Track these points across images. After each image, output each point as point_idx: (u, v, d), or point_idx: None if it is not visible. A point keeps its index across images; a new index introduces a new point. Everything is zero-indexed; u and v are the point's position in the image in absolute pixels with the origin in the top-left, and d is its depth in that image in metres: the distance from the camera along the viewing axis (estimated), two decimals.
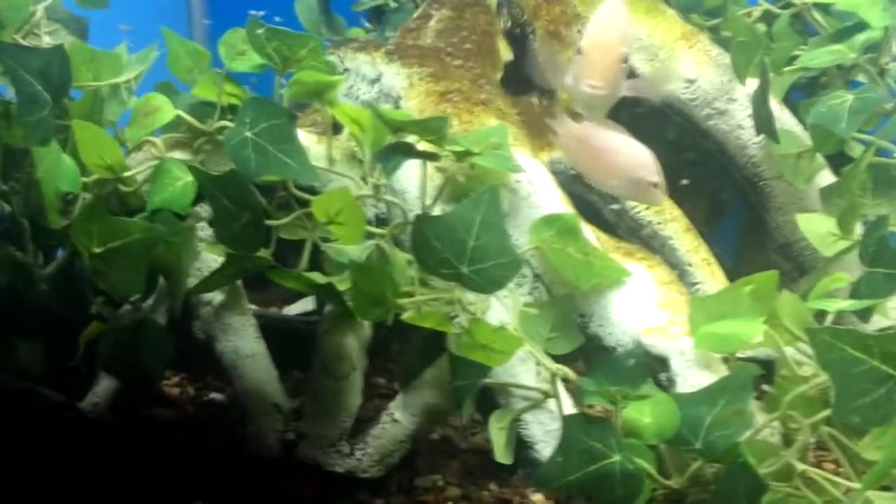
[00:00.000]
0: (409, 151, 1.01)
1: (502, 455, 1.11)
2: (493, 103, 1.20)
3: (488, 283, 1.01)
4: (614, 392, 1.03)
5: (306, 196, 1.11)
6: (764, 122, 1.32)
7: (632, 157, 1.00)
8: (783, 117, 1.37)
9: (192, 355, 1.30)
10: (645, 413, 1.06)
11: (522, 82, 1.38)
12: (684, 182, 1.48)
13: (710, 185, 1.59)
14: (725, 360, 1.09)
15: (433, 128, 0.97)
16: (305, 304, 1.65)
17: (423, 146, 1.04)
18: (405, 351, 1.17)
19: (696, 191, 1.56)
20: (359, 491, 1.17)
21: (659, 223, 1.32)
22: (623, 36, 0.96)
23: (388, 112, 1.00)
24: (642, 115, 1.49)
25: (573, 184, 1.28)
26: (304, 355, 1.24)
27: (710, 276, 1.29)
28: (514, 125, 1.20)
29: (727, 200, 1.61)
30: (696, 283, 1.29)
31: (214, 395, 1.42)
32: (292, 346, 1.25)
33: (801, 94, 1.51)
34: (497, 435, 1.11)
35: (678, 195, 1.34)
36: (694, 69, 1.40)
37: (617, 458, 1.02)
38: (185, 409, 1.38)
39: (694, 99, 1.40)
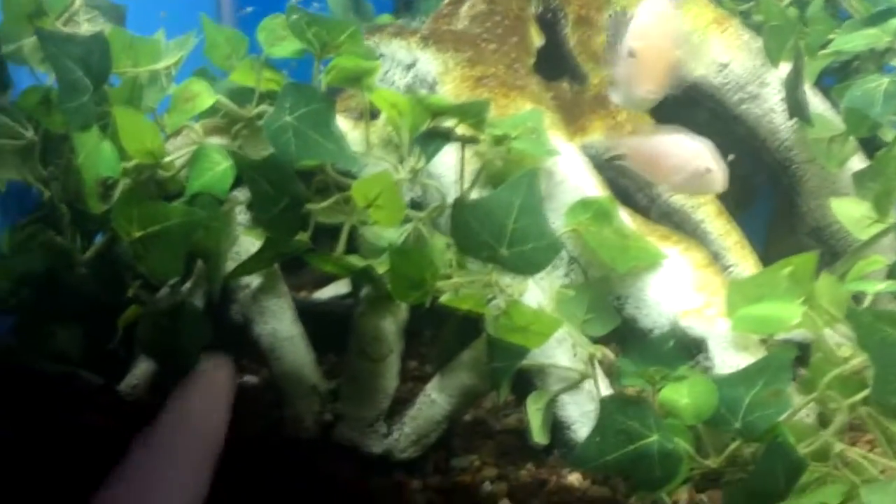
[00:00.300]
0: (449, 136, 1.02)
1: (539, 436, 1.12)
2: (528, 88, 1.20)
3: (527, 266, 1.01)
4: (652, 373, 1.04)
5: (345, 180, 1.12)
6: (797, 105, 1.32)
7: (684, 151, 1.00)
8: (815, 101, 1.37)
9: (225, 339, 1.32)
10: (682, 394, 1.07)
11: (554, 67, 1.38)
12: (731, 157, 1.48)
13: (741, 169, 1.59)
14: (763, 342, 1.09)
15: (473, 111, 0.98)
16: (337, 288, 1.66)
17: (461, 130, 1.04)
18: (441, 333, 1.18)
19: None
20: (395, 471, 1.19)
21: (691, 207, 1.32)
22: (676, 38, 0.96)
23: (427, 96, 1.01)
24: (670, 100, 1.50)
25: (606, 168, 1.29)
26: (339, 338, 1.26)
27: (743, 260, 1.29)
28: (549, 109, 1.21)
29: (758, 184, 1.61)
30: (729, 267, 1.29)
31: (249, 378, 1.44)
32: (326, 329, 1.26)
33: (832, 79, 1.50)
34: (534, 416, 1.12)
35: None
36: (726, 53, 1.39)
37: (655, 437, 1.03)
38: None
39: (726, 83, 1.39)
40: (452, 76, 1.20)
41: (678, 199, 1.33)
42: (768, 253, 1.35)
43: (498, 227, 1.01)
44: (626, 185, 1.36)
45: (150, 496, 0.43)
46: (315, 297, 1.61)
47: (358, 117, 1.20)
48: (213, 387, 0.50)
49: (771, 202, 1.59)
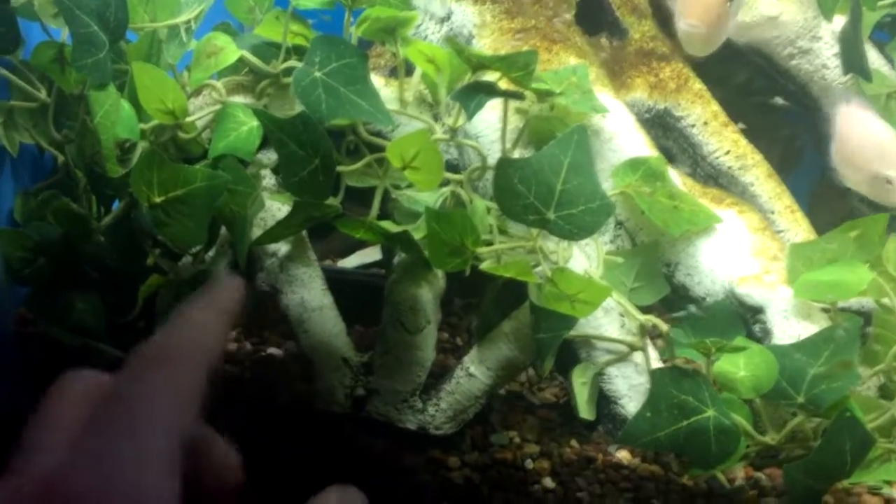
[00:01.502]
0: (492, 90, 0.95)
1: (585, 411, 1.06)
2: (571, 41, 1.13)
3: (577, 230, 0.95)
4: (708, 343, 0.98)
5: (378, 140, 1.05)
6: (854, 60, 1.24)
7: (874, 146, 0.92)
8: (871, 56, 1.30)
9: (250, 309, 1.26)
10: (739, 366, 1.01)
11: (592, 21, 1.31)
12: (741, 126, 1.41)
13: (784, 130, 1.52)
14: (825, 311, 1.03)
15: (521, 63, 0.90)
16: (362, 257, 1.60)
17: (504, 85, 0.97)
18: (480, 303, 1.12)
19: (769, 136, 1.49)
20: (431, 448, 1.13)
21: (740, 168, 1.25)
22: None
23: (468, 48, 0.94)
24: (708, 57, 1.42)
25: (650, 126, 1.22)
26: (367, 309, 1.20)
27: (795, 224, 1.23)
28: (594, 64, 1.13)
29: (802, 146, 1.54)
30: (780, 231, 1.22)
31: (273, 351, 1.38)
32: (354, 299, 1.20)
33: (884, 34, 1.43)
34: (580, 390, 1.06)
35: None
36: (776, 6, 1.32)
37: (711, 412, 0.98)
38: (245, 365, 1.34)
39: (775, 37, 1.32)
40: (490, 29, 1.12)
41: (725, 161, 1.26)
42: (812, 217, 1.28)
43: (545, 189, 0.94)
44: (668, 147, 1.30)
45: (139, 404, 0.41)
46: (339, 265, 1.55)
47: (389, 74, 1.13)
48: (216, 301, 0.46)
49: (814, 165, 1.52)
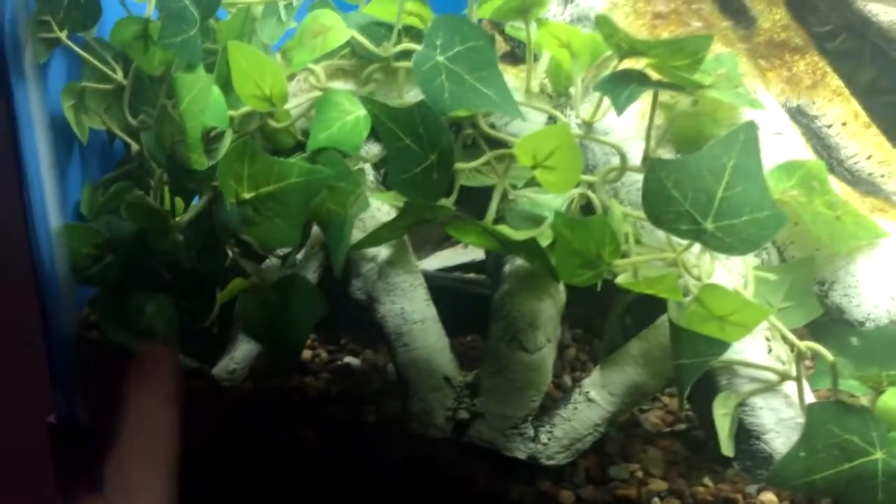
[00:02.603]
0: (646, 80, 0.83)
1: (727, 447, 0.93)
2: (716, 27, 1.00)
3: (739, 243, 0.82)
4: (883, 376, 0.85)
5: (503, 136, 0.93)
6: None
7: None
8: None
9: (342, 319, 1.15)
10: None
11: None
12: None
13: None
14: None
15: (690, 49, 0.78)
16: (443, 260, 1.49)
17: (655, 75, 0.85)
18: (605, 321, 1.00)
19: (894, 143, 1.36)
20: (541, 479, 1.02)
21: (882, 175, 1.12)
22: None
23: (618, 30, 0.81)
24: (834, 51, 1.30)
25: None
26: (452, 318, 1.08)
27: None
28: (741, 54, 1.01)
29: None
30: None
31: (350, 360, 1.27)
32: (451, 309, 1.08)
33: None
34: (721, 422, 0.93)
35: None
36: None
37: (879, 455, 0.86)
38: (322, 377, 1.23)
39: None
40: (623, 11, 1.00)
41: (866, 166, 1.13)
42: None
43: (704, 195, 0.82)
44: None
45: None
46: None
47: (505, 60, 1.01)
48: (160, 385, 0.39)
49: None
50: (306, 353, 1.29)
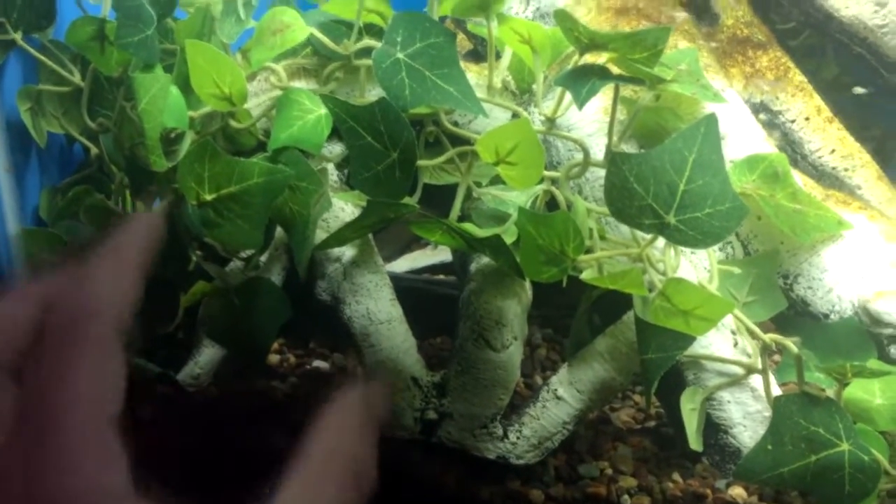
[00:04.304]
0: (606, 74, 0.82)
1: (695, 441, 0.93)
2: (678, 23, 1.00)
3: (702, 236, 0.82)
4: (847, 367, 0.85)
5: (464, 132, 0.93)
6: None
7: None
8: None
9: (307, 321, 1.14)
10: (874, 393, 0.89)
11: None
12: None
13: (875, 129, 1.40)
14: None
15: (649, 42, 0.78)
16: (411, 262, 1.48)
17: (616, 69, 0.85)
18: (573, 318, 1.00)
19: (859, 136, 1.37)
20: (510, 479, 1.01)
21: (846, 170, 1.13)
22: None
23: (578, 24, 0.81)
24: (798, 48, 1.31)
25: None
26: (421, 319, 1.07)
27: None
28: (703, 49, 1.01)
29: (892, 149, 1.42)
30: None
31: (319, 364, 1.26)
32: (405, 308, 1.07)
33: None
34: (689, 417, 0.93)
35: None
36: None
37: (846, 446, 0.86)
38: (291, 381, 1.21)
39: (884, 26, 1.20)
40: (586, 7, 1.00)
41: (829, 160, 1.14)
42: None
43: (666, 189, 0.82)
44: None
45: (56, 395, 0.37)
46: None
47: (468, 58, 1.00)
48: (130, 244, 0.37)
49: None
50: (274, 358, 1.27)
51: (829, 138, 1.14)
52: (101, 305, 0.38)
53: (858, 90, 1.39)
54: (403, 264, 1.47)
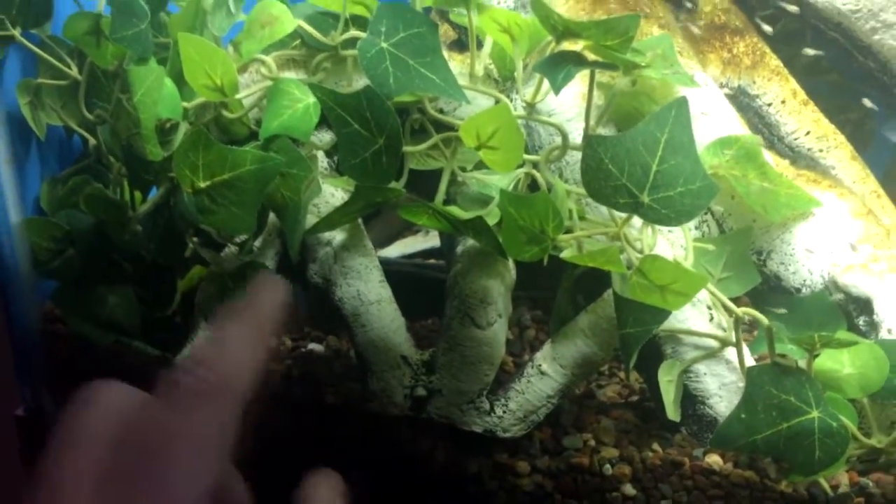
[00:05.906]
0: (581, 61, 0.86)
1: (673, 412, 0.97)
2: (654, 11, 1.04)
3: (675, 214, 0.86)
4: (815, 338, 0.89)
5: (448, 119, 0.96)
6: None
7: None
8: None
9: (299, 303, 1.18)
10: (843, 363, 0.93)
11: None
12: None
13: (853, 112, 1.43)
14: None
15: (620, 29, 0.81)
16: (403, 247, 1.52)
17: (591, 56, 0.89)
18: (555, 295, 1.04)
19: (837, 119, 1.41)
20: (497, 452, 1.05)
21: (821, 150, 1.17)
22: None
23: (554, 12, 0.85)
24: (777, 34, 1.34)
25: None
26: (413, 302, 1.11)
27: (881, 210, 1.14)
28: (677, 35, 1.04)
29: (871, 130, 1.45)
30: None
31: (314, 346, 1.30)
32: (398, 292, 1.11)
33: None
34: (667, 389, 0.97)
35: None
36: None
37: (816, 414, 0.90)
38: (286, 363, 1.25)
39: (857, 11, 1.23)
40: None
41: (805, 142, 1.18)
42: None
43: (640, 169, 0.85)
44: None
45: (171, 449, 0.41)
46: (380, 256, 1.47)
47: (452, 47, 1.04)
48: (259, 311, 0.47)
49: (887, 149, 1.44)
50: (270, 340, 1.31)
51: (804, 120, 1.17)
52: (233, 375, 0.41)
53: (809, 51, 1.40)
54: (395, 250, 1.51)
